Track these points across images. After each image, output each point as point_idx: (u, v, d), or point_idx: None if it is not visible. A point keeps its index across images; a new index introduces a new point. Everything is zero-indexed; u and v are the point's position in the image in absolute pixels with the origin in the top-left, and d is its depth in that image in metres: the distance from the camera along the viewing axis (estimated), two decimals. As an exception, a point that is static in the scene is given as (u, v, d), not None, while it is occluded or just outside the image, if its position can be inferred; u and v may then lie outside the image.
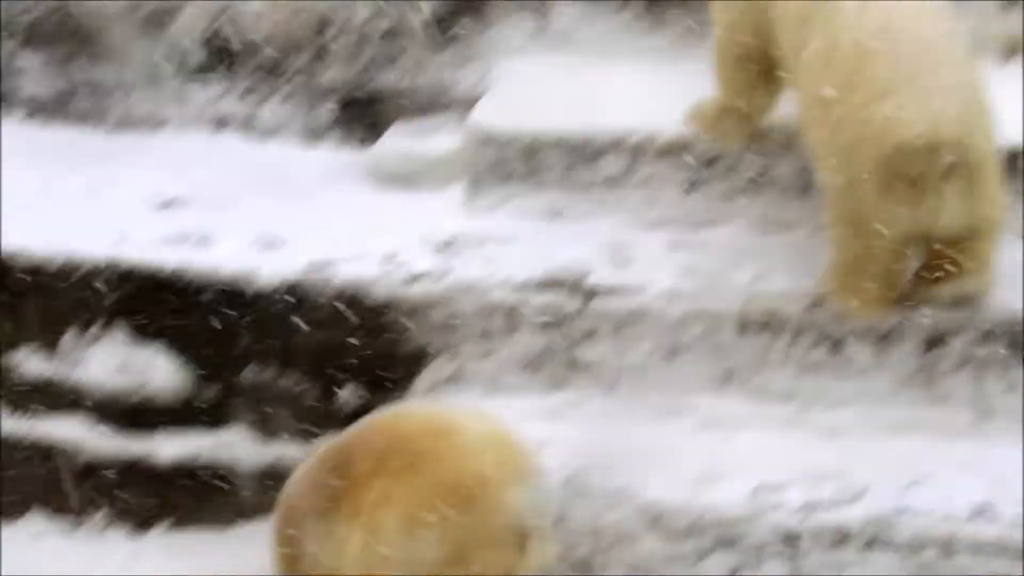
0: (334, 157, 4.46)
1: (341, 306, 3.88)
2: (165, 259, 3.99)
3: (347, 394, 3.92)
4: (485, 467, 3.12)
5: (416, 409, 3.45)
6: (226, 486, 4.08)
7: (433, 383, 3.81)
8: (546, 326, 3.78)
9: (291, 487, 3.46)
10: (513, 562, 3.14)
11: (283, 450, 3.99)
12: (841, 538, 3.39)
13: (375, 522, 3.15)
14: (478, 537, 3.11)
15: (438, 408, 3.42)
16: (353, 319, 3.88)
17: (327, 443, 3.44)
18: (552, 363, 3.80)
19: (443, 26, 4.56)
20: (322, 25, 4.61)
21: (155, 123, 4.76)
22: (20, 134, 4.66)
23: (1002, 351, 3.58)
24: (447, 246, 3.99)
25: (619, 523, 3.47)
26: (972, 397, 3.63)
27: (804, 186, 3.85)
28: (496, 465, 3.13)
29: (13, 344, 4.14)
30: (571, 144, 4.05)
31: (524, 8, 4.50)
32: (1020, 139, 3.76)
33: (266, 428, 4.03)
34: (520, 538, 3.14)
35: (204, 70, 4.70)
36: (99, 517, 4.19)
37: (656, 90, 4.14)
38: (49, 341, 4.12)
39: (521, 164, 4.13)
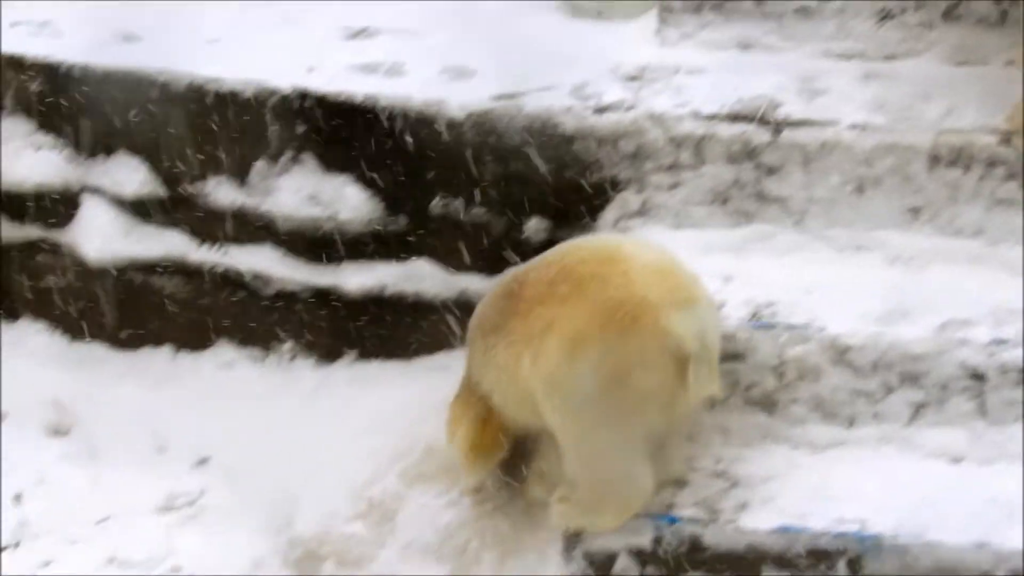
0: (525, -13, 5.44)
1: (529, 137, 4.87)
2: (355, 89, 5.05)
3: (533, 226, 4.95)
4: (648, 292, 3.98)
5: (591, 240, 4.35)
6: (412, 317, 5.18)
7: (620, 215, 4.79)
8: (735, 158, 4.71)
9: (476, 312, 4.50)
10: (672, 388, 4.00)
11: (468, 282, 5.05)
12: (1028, 376, 4.23)
13: (542, 345, 4.07)
14: (636, 360, 3.98)
15: (612, 239, 4.34)
16: (541, 150, 4.87)
17: (510, 271, 4.45)
18: (740, 196, 4.74)
19: None
20: None
21: (344, -49, 5.84)
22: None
23: None
24: (637, 77, 4.97)
25: (803, 358, 4.36)
26: None
27: (999, 18, 4.67)
28: (659, 291, 3.99)
29: (204, 173, 5.29)
30: (764, -27, 4.96)
31: None
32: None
33: (452, 260, 5.09)
34: (679, 365, 4.00)
35: None
36: (287, 347, 5.36)
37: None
38: (240, 170, 5.25)
39: (713, -6, 5.06)
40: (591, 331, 3.97)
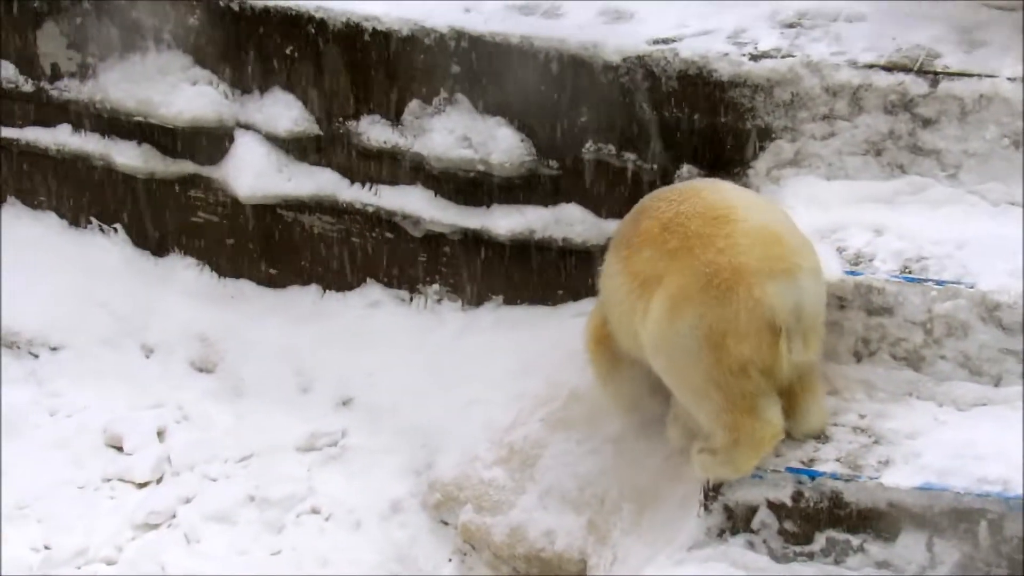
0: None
1: (685, 82, 5.52)
2: (512, 29, 5.73)
3: (685, 172, 5.59)
4: (747, 259, 4.51)
5: (712, 190, 4.84)
6: (559, 263, 5.88)
7: (773, 164, 5.40)
8: (891, 109, 5.31)
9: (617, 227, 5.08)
10: (768, 356, 4.52)
11: (619, 228, 5.70)
12: None
13: (650, 300, 4.64)
14: (730, 328, 4.51)
15: (730, 195, 4.79)
16: (696, 96, 5.51)
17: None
18: (894, 147, 5.32)
19: None
20: None
21: None
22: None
23: None
24: (795, 23, 5.59)
25: (952, 314, 4.88)
26: None
27: None
28: (759, 259, 4.52)
29: (358, 112, 6.03)
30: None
31: None
32: None
33: (602, 205, 5.76)
34: (773, 334, 4.52)
35: None
36: (433, 289, 6.10)
37: None
38: (393, 110, 5.98)
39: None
40: (690, 294, 4.56)
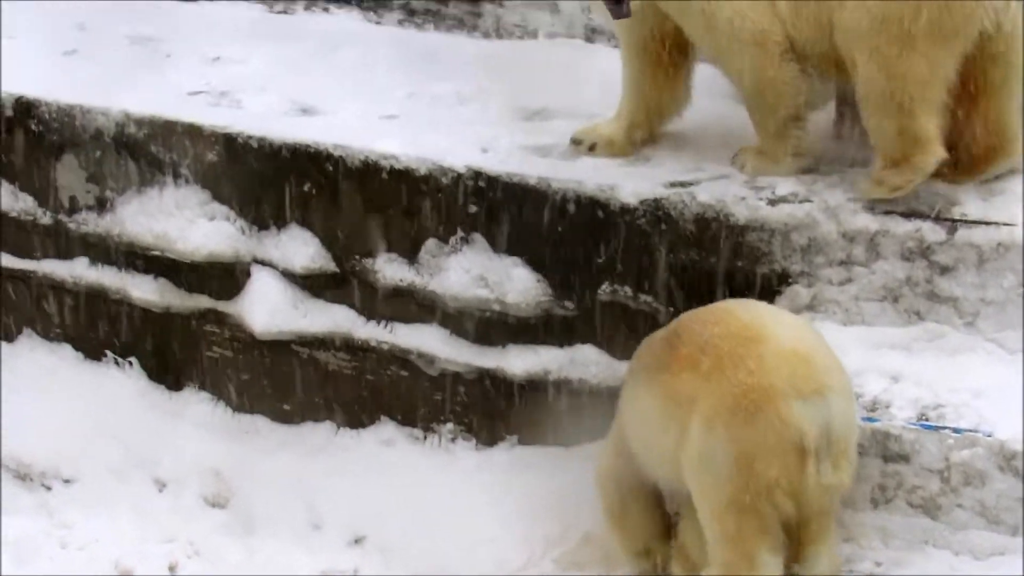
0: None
1: (701, 226, 5.58)
2: (529, 170, 5.83)
3: (702, 316, 5.63)
4: (776, 380, 4.61)
5: (743, 311, 4.93)
6: (574, 404, 5.92)
7: (790, 308, 5.45)
8: (908, 255, 5.36)
9: (639, 349, 5.16)
10: (796, 478, 4.60)
11: (634, 370, 5.75)
12: None
13: (688, 421, 4.72)
14: (758, 449, 4.60)
15: (760, 314, 4.89)
16: (713, 240, 5.57)
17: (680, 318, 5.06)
18: (911, 294, 5.38)
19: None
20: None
21: (526, 32, 6.68)
22: (394, 39, 6.71)
23: None
24: (811, 170, 5.67)
25: (969, 462, 4.93)
26: None
27: None
28: (787, 379, 4.62)
29: (375, 249, 6.10)
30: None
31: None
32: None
33: (618, 347, 5.81)
34: (801, 456, 4.60)
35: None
36: (448, 428, 6.13)
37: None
38: (410, 248, 6.04)
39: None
40: (721, 415, 4.66)
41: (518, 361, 5.94)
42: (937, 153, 5.29)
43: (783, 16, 5.42)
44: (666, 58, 5.82)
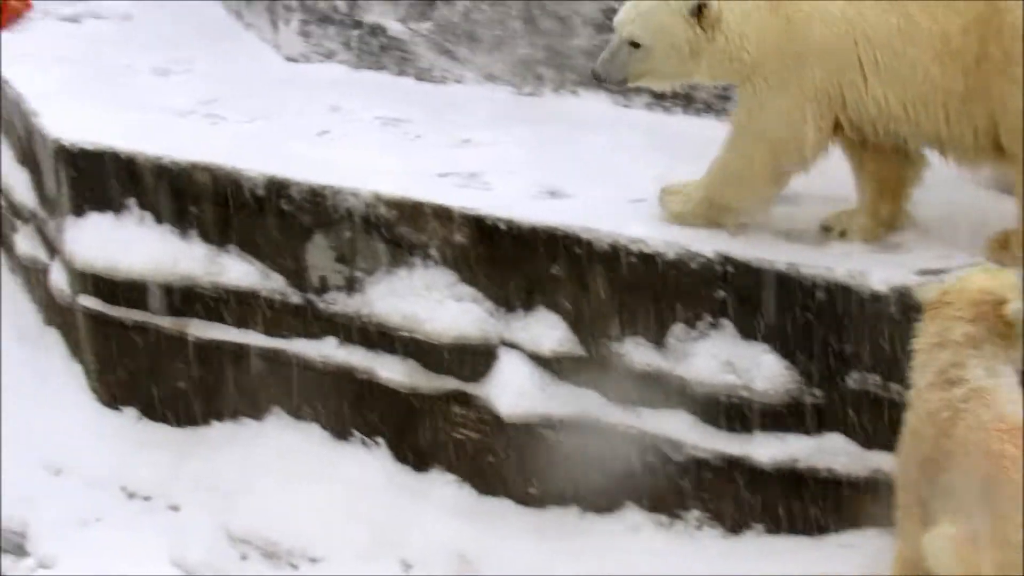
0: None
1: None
2: (777, 256, 6.21)
3: (953, 406, 5.95)
4: None
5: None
6: (823, 493, 6.28)
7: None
8: None
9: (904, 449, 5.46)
10: None
11: (882, 460, 6.09)
12: None
13: (990, 526, 4.96)
14: None
15: None
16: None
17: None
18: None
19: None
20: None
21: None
22: (642, 123, 7.20)
23: None
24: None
25: None
26: None
27: None
28: None
29: (622, 333, 6.54)
30: None
31: None
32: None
33: (867, 436, 6.14)
34: None
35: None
36: (694, 515, 6.54)
37: None
38: (657, 333, 6.47)
39: None
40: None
41: (765, 448, 6.30)
42: None
43: None
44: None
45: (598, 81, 6.37)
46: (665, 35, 6.16)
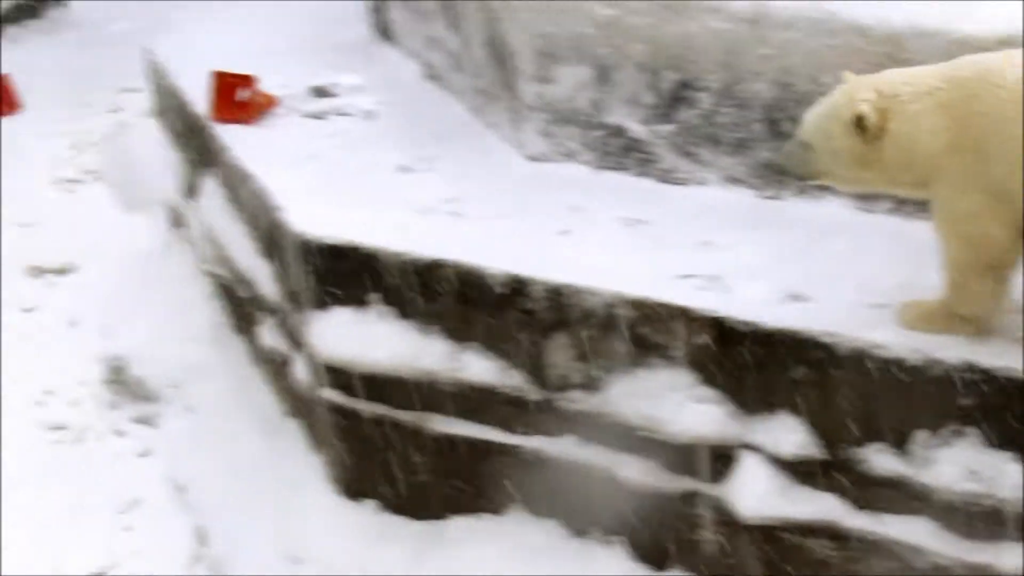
0: None
1: None
2: (1021, 364, 6.39)
3: None
4: None
5: None
6: (1072, 605, 6.39)
7: None
8: None
9: None
10: None
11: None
12: None
13: None
14: None
15: None
16: None
17: None
18: None
19: None
20: None
21: None
22: (884, 228, 7.37)
23: None
24: None
25: None
26: None
27: None
28: None
29: (863, 439, 6.72)
30: None
31: None
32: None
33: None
34: None
35: None
36: (927, 625, 6.68)
37: None
38: (898, 439, 6.64)
39: None
40: None
41: (1011, 558, 6.41)
42: None
43: None
44: None
45: (778, 174, 6.54)
46: (830, 142, 6.38)
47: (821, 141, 6.45)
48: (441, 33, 9.40)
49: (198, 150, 9.70)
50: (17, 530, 8.09)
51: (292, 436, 8.69)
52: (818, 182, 6.67)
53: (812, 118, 6.49)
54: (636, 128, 8.15)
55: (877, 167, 6.40)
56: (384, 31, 10.35)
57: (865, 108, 6.27)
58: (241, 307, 9.26)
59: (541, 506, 7.58)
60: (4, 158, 12.56)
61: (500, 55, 8.55)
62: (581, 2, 8.07)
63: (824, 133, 6.43)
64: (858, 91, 6.32)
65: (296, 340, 8.24)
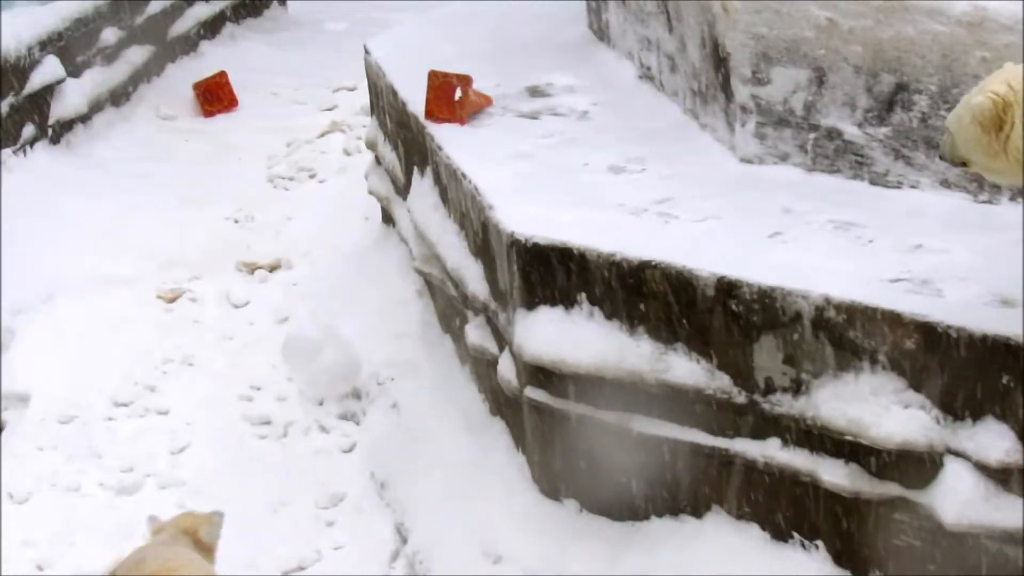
0: None
1: None
2: None
3: None
4: None
5: None
6: None
7: None
8: None
9: None
10: None
11: None
12: None
13: None
14: None
15: None
16: None
17: None
18: None
19: None
20: None
21: None
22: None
23: None
24: None
25: None
26: None
27: None
28: None
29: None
30: None
31: None
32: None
33: None
34: None
35: None
36: None
37: None
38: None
39: None
40: None
41: None
42: None
43: None
44: None
45: (940, 159, 6.71)
46: (963, 131, 6.48)
47: (957, 129, 6.59)
48: (657, 34, 9.61)
49: (412, 148, 10.00)
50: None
51: (496, 435, 8.97)
52: (964, 170, 6.80)
53: (956, 107, 6.62)
54: (851, 130, 8.30)
55: (1003, 159, 6.49)
56: (601, 32, 10.61)
57: (985, 101, 6.38)
58: (449, 305, 9.54)
59: (742, 509, 7.77)
60: (220, 155, 13.02)
61: (716, 57, 8.74)
62: (798, 3, 8.20)
63: (959, 122, 6.57)
64: (991, 83, 6.44)
65: (503, 339, 8.50)
